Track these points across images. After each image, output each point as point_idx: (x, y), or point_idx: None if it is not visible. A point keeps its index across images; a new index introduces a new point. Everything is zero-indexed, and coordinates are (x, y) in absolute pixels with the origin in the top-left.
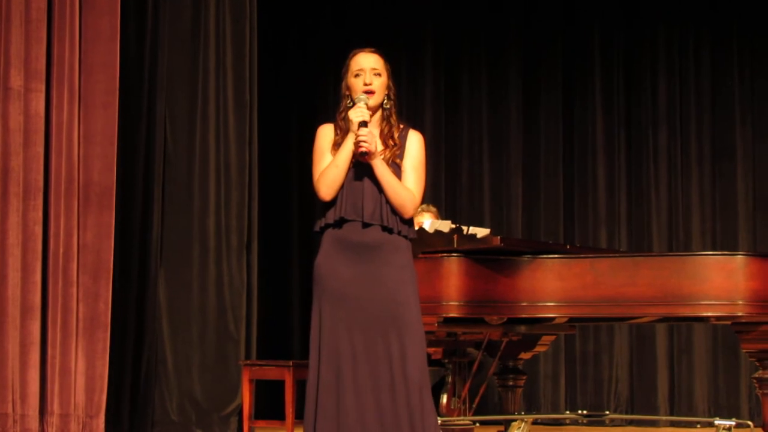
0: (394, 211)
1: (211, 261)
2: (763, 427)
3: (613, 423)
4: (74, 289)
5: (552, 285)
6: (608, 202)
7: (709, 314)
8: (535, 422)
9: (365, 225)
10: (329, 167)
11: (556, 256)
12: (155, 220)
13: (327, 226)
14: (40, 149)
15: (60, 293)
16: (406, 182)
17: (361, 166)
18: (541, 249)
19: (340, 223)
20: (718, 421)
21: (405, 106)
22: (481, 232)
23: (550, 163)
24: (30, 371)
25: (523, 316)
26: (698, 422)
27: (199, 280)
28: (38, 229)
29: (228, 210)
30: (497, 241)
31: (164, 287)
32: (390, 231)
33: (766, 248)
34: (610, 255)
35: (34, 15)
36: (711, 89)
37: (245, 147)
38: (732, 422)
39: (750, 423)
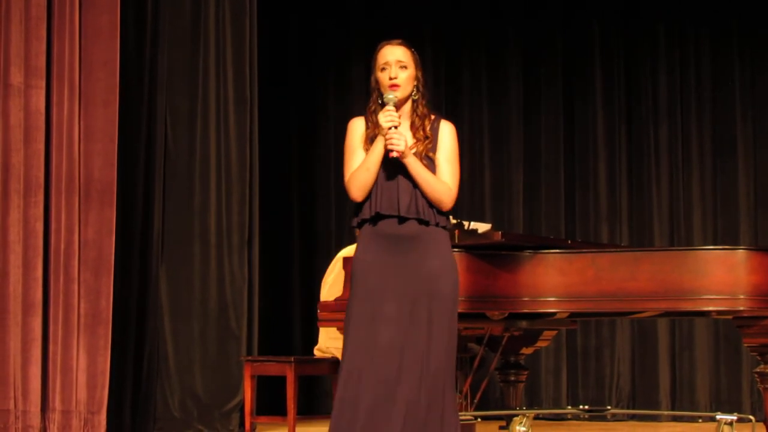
0: (431, 203)
1: (212, 257)
2: (764, 421)
3: (615, 418)
4: (75, 286)
5: (553, 280)
6: (609, 198)
7: (711, 309)
8: (536, 417)
9: (401, 219)
10: (360, 170)
11: (557, 251)
12: (156, 216)
13: (363, 221)
14: (41, 146)
15: (61, 290)
16: (441, 175)
17: (393, 161)
18: (542, 244)
19: (375, 218)
20: (719, 416)
21: None
22: (483, 227)
23: (551, 159)
24: (31, 368)
25: (525, 311)
26: (700, 417)
27: (200, 276)
28: (39, 226)
29: (229, 207)
30: (498, 236)
31: (165, 284)
32: (426, 223)
33: (767, 243)
34: (612, 250)
35: (34, 12)
36: (711, 84)
37: (246, 144)
38: (734, 417)
39: (752, 417)
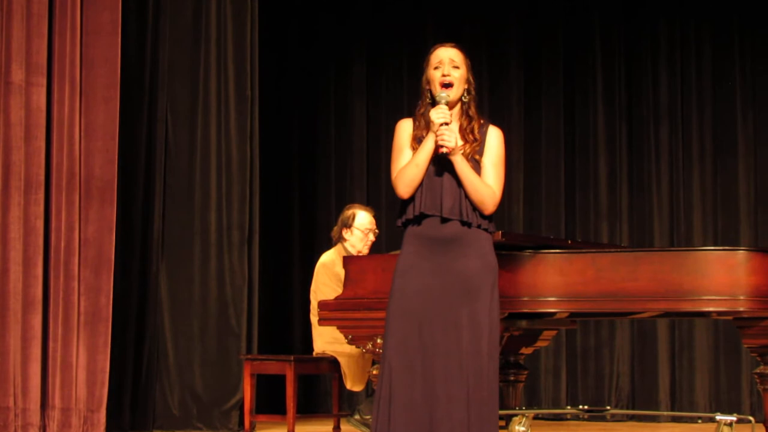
0: (474, 206)
1: (213, 255)
2: (764, 422)
3: (614, 418)
4: (76, 283)
5: (553, 280)
6: (609, 197)
7: (711, 309)
8: (536, 417)
9: (444, 220)
10: (409, 166)
11: (557, 251)
12: (156, 214)
13: (408, 221)
14: (42, 143)
15: (61, 287)
16: (486, 178)
17: (440, 161)
18: (542, 244)
19: (419, 218)
20: (719, 417)
21: (406, 101)
22: None
23: (552, 158)
24: (31, 365)
25: (525, 311)
26: (699, 417)
27: (200, 274)
28: (39, 223)
29: (229, 204)
30: (499, 235)
31: (165, 281)
32: (469, 225)
33: (767, 243)
34: (612, 250)
35: (36, 9)
36: (712, 84)
37: (246, 141)
38: (733, 417)
39: (751, 418)
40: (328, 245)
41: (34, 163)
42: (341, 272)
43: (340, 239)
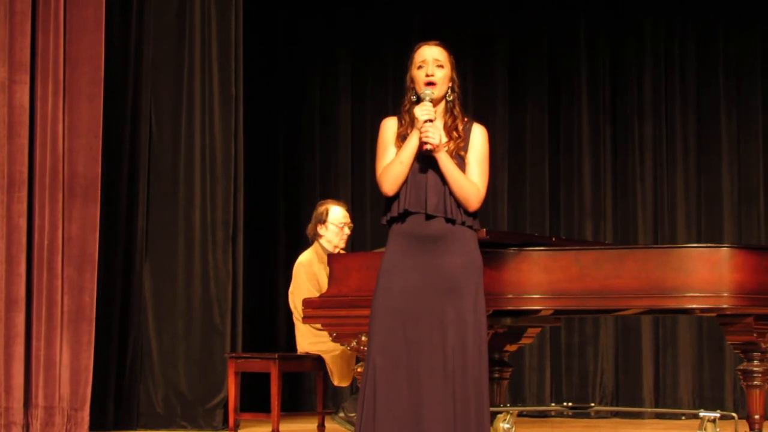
0: (459, 203)
1: (197, 253)
2: (747, 418)
3: (599, 415)
4: (59, 282)
5: (538, 277)
6: (594, 195)
7: (694, 306)
8: (520, 414)
9: (429, 217)
10: (393, 163)
11: (541, 248)
12: (140, 212)
13: (392, 219)
14: (25, 141)
15: (45, 286)
16: (470, 175)
17: (424, 158)
18: (526, 241)
19: (404, 215)
20: (702, 413)
21: (391, 99)
22: None
23: (536, 156)
24: (15, 364)
25: (509, 308)
26: (683, 414)
27: (184, 272)
28: (23, 222)
29: (214, 202)
30: (483, 233)
31: (149, 280)
32: (453, 222)
33: (750, 240)
34: (596, 247)
35: (19, 7)
36: (696, 82)
37: (231, 139)
38: (717, 414)
39: (734, 415)
40: (310, 244)
41: (17, 161)
42: (318, 272)
43: (316, 236)
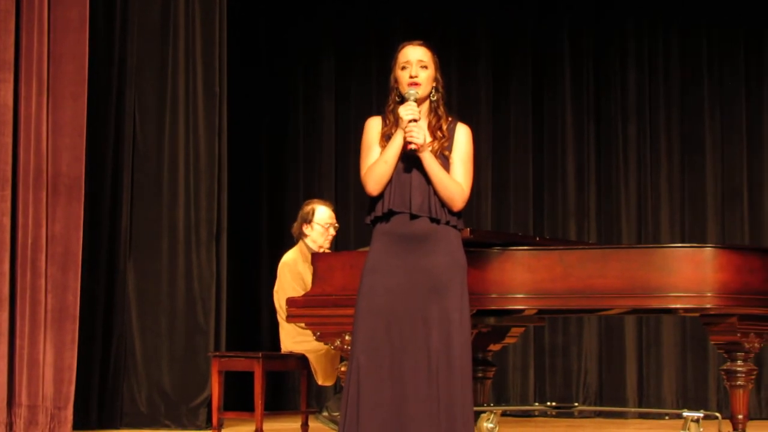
0: (443, 203)
1: (181, 252)
2: (731, 418)
3: (582, 415)
4: (43, 281)
5: (521, 277)
6: (578, 195)
7: (678, 306)
8: (504, 414)
9: (413, 216)
10: (377, 163)
11: (525, 248)
12: (124, 211)
13: (377, 219)
14: (8, 140)
15: (28, 284)
16: (455, 175)
17: (409, 158)
18: (510, 241)
19: (388, 215)
20: (686, 413)
21: (375, 98)
22: None
23: (520, 155)
24: None
25: (493, 307)
26: (666, 414)
27: (168, 271)
28: (6, 221)
29: (197, 201)
30: (467, 232)
31: (133, 279)
32: (438, 222)
33: (734, 240)
34: (580, 247)
35: (3, 6)
36: (680, 82)
37: (215, 138)
38: (700, 414)
39: (718, 415)
40: (295, 243)
41: (1, 160)
42: (303, 271)
43: (301, 235)
